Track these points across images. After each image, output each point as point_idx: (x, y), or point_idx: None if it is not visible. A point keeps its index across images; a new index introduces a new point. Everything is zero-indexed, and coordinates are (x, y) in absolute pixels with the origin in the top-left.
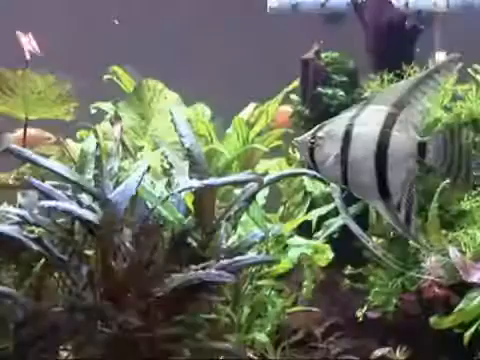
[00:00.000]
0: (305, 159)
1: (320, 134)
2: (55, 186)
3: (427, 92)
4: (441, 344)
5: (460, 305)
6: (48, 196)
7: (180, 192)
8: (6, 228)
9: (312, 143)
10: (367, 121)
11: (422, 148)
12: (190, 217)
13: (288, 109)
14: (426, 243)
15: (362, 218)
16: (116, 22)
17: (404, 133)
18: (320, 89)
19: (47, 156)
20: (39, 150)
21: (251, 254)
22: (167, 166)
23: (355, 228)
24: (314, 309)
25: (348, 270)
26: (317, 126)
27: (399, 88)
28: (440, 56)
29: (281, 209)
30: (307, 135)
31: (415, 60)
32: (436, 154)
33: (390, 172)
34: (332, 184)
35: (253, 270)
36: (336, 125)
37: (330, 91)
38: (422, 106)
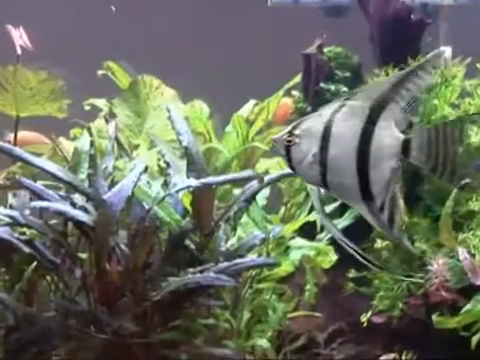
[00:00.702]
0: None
1: (297, 131)
2: (47, 186)
3: (411, 89)
4: (448, 349)
5: (467, 306)
6: (40, 196)
7: (177, 192)
8: None
9: (289, 141)
10: (348, 118)
11: (406, 146)
12: (188, 218)
13: (288, 102)
14: (410, 245)
15: (365, 220)
16: (113, 8)
17: (387, 131)
18: (322, 85)
19: (39, 155)
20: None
21: (251, 256)
22: (164, 165)
23: (334, 231)
24: (317, 314)
25: (352, 273)
26: (294, 123)
27: (382, 84)
28: (445, 52)
29: (282, 210)
30: (284, 132)
31: (422, 54)
32: (420, 152)
33: (372, 172)
34: (310, 185)
35: (253, 273)
36: (314, 122)
37: (333, 87)
38: (406, 103)
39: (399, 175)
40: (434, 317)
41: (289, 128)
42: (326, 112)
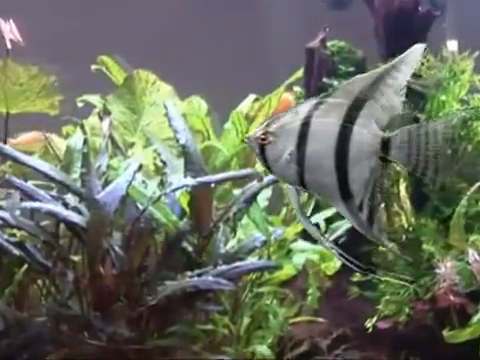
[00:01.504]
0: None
1: (272, 129)
2: (38, 186)
3: (392, 85)
4: (456, 357)
5: (478, 315)
6: (31, 197)
7: (174, 192)
8: None
9: (263, 139)
10: (326, 115)
11: (386, 144)
12: (185, 219)
13: (290, 98)
14: (392, 246)
15: None
16: None
17: (367, 128)
18: (325, 80)
19: (30, 153)
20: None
21: (251, 259)
22: (160, 164)
23: (315, 232)
24: (319, 319)
25: (356, 277)
26: (268, 119)
27: (362, 80)
28: (451, 45)
29: (284, 211)
30: (258, 130)
31: (430, 48)
32: (401, 151)
33: (351, 170)
34: (286, 185)
35: (253, 277)
36: (291, 119)
37: (336, 82)
38: (386, 100)
39: (379, 174)
40: (445, 332)
41: (263, 126)
42: (303, 109)
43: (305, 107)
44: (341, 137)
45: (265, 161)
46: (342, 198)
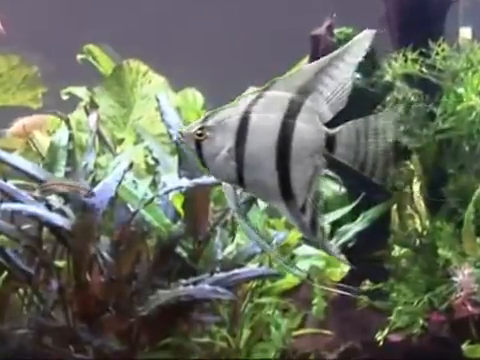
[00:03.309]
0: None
1: (209, 124)
2: (19, 186)
3: (337, 76)
4: None
5: None
6: (11, 198)
7: (167, 193)
8: None
9: (200, 135)
10: (267, 109)
11: (331, 141)
12: (179, 222)
13: None
14: (336, 250)
15: (382, 224)
16: None
17: (310, 124)
18: None
19: (10, 150)
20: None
21: (251, 266)
22: (152, 162)
23: (252, 234)
24: (326, 331)
25: (366, 285)
26: (206, 114)
27: (304, 71)
28: (465, 33)
29: None
30: (194, 125)
31: (445, 36)
32: (347, 148)
33: (293, 168)
34: (224, 184)
35: (254, 285)
36: (229, 113)
37: None
38: (331, 92)
39: (322, 173)
40: (464, 346)
41: (200, 120)
42: (242, 103)
43: (245, 101)
44: (282, 133)
45: (201, 158)
46: (283, 198)
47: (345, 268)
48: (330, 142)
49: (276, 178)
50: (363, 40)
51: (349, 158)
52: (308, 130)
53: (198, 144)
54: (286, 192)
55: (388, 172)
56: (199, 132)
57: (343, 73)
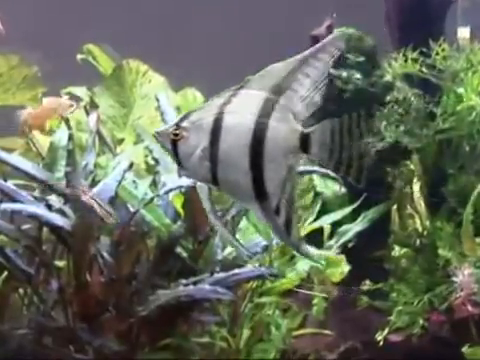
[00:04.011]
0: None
1: (185, 124)
2: (19, 186)
3: (311, 74)
4: None
5: None
6: (11, 198)
7: (167, 193)
8: None
9: (175, 134)
10: (240, 109)
11: (305, 141)
12: (179, 222)
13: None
14: (312, 252)
15: (382, 224)
16: None
17: (284, 123)
18: (333, 71)
19: (10, 150)
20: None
21: (251, 266)
22: (152, 162)
23: (226, 235)
24: (326, 331)
25: (366, 285)
26: (182, 114)
27: (278, 70)
28: (463, 32)
29: None
30: (169, 125)
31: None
32: (321, 148)
33: (267, 168)
34: (199, 184)
35: (254, 285)
36: (204, 113)
37: (344, 73)
38: (306, 91)
39: (297, 173)
40: (465, 349)
41: (176, 120)
42: (216, 102)
43: (219, 100)
44: (256, 133)
45: (177, 157)
46: (257, 199)
47: (345, 269)
48: (304, 141)
49: (250, 178)
50: (338, 39)
51: (323, 158)
52: (282, 129)
53: (174, 144)
54: (259, 192)
55: (363, 172)
56: (175, 132)
57: (318, 72)
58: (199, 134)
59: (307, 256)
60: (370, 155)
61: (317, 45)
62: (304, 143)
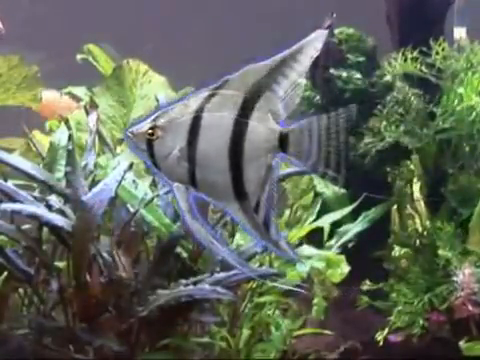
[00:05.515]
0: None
1: (161, 123)
2: (19, 186)
3: (289, 75)
4: None
5: None
6: (11, 198)
7: (167, 193)
8: None
9: (151, 134)
10: (219, 108)
11: (283, 140)
12: (179, 223)
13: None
14: (292, 252)
15: (382, 224)
16: None
17: (263, 123)
18: (333, 71)
19: (10, 150)
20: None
21: (251, 267)
22: None
23: (204, 237)
24: (326, 331)
25: (366, 285)
26: (156, 113)
27: (258, 70)
28: (459, 33)
29: (287, 213)
30: (144, 124)
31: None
32: (299, 147)
33: (246, 168)
34: (176, 184)
35: (254, 285)
36: (181, 113)
37: (345, 73)
38: (284, 91)
39: (276, 172)
40: (462, 343)
41: (151, 119)
42: (194, 101)
43: (197, 100)
44: (235, 132)
45: (153, 158)
46: (236, 199)
47: (345, 269)
48: (283, 141)
49: (228, 178)
50: (316, 40)
51: (301, 158)
52: (261, 129)
53: (149, 144)
54: (239, 192)
55: (341, 172)
56: (150, 131)
57: (296, 72)
58: (176, 134)
59: (286, 255)
60: (350, 155)
61: (295, 46)
62: (282, 142)
